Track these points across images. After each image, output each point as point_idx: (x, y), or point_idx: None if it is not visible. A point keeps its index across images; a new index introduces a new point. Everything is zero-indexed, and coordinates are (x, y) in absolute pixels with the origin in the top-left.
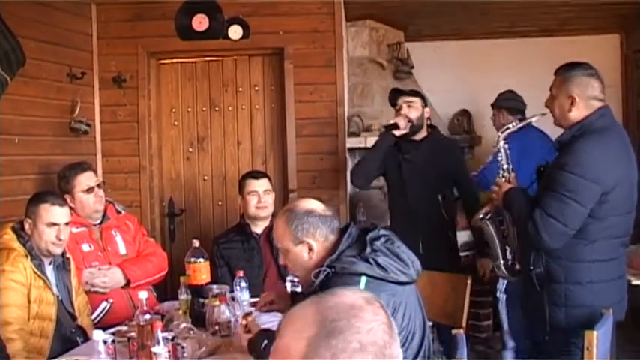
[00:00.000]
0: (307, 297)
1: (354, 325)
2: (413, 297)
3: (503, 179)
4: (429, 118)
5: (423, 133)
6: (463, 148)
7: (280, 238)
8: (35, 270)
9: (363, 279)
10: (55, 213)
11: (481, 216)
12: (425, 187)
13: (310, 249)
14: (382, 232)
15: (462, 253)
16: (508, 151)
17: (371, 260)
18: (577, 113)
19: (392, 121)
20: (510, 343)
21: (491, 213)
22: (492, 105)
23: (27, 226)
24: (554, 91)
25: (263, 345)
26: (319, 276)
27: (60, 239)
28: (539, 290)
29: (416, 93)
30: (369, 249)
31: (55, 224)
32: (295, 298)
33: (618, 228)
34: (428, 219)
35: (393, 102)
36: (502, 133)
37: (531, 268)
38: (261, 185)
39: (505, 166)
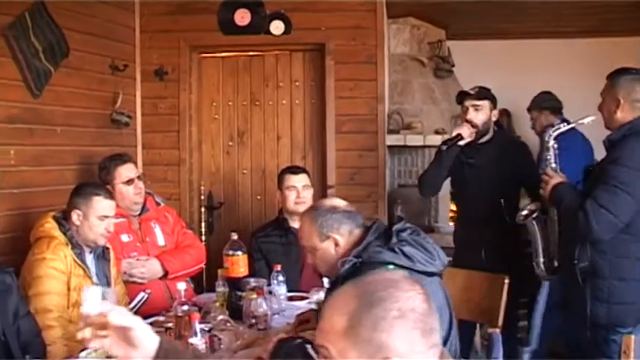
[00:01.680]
0: (334, 288)
1: (392, 294)
2: (440, 292)
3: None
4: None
5: (488, 136)
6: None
7: (307, 238)
8: (75, 259)
9: (391, 268)
10: (107, 206)
11: (525, 212)
12: (487, 191)
13: (336, 244)
14: (407, 224)
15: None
16: (557, 151)
17: (397, 249)
18: (622, 115)
19: (454, 133)
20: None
21: (537, 211)
22: (530, 108)
23: (75, 217)
24: (603, 94)
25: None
26: (345, 265)
27: (109, 232)
28: (581, 285)
29: (484, 96)
30: (394, 239)
31: (106, 217)
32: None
33: None
34: (489, 223)
35: (459, 101)
36: (553, 132)
37: (575, 262)
38: (300, 180)
39: (553, 165)
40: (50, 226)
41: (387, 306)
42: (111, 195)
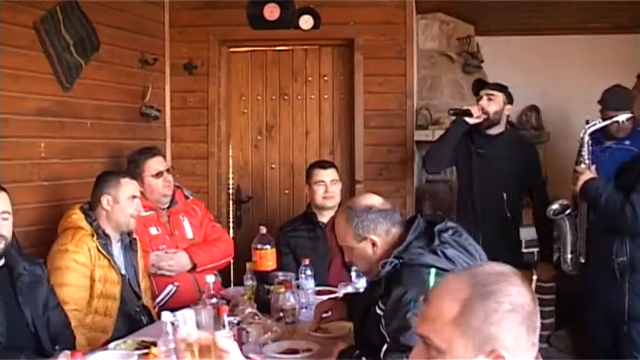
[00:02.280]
0: (374, 288)
1: (505, 287)
2: None
3: None
4: (508, 115)
5: (499, 129)
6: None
7: (343, 237)
8: (100, 249)
9: (432, 271)
10: (134, 187)
11: (555, 207)
12: (492, 182)
13: (374, 244)
14: (449, 224)
15: (525, 250)
16: (590, 147)
17: (439, 252)
18: None
19: (465, 107)
20: None
21: (570, 208)
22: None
23: (105, 202)
24: (636, 91)
25: (356, 354)
26: (386, 267)
27: (139, 212)
28: (619, 280)
29: (501, 88)
30: (437, 241)
31: (135, 196)
32: (353, 299)
33: None
34: (490, 215)
35: (476, 92)
36: (588, 128)
37: (613, 257)
38: (328, 175)
39: (587, 162)
40: (77, 217)
41: (499, 299)
42: (134, 177)
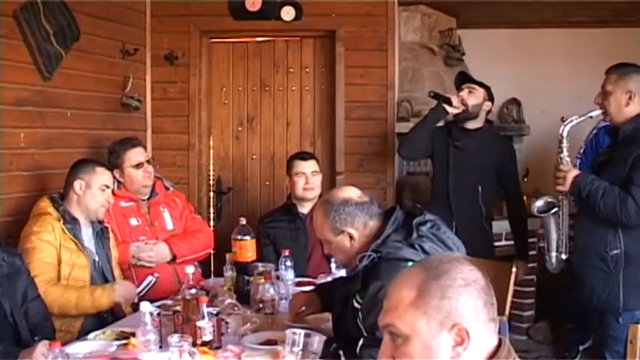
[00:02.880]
0: (352, 282)
1: (456, 266)
2: None
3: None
4: (489, 112)
5: (477, 124)
6: (512, 137)
7: (320, 230)
8: (66, 231)
9: (410, 265)
10: (108, 176)
11: (540, 203)
12: (467, 176)
13: (351, 237)
14: (428, 217)
15: (499, 243)
16: (568, 143)
17: (417, 246)
18: (632, 108)
19: (446, 95)
20: None
21: (557, 206)
22: None
23: (77, 187)
24: (610, 87)
25: (333, 347)
26: (364, 261)
27: (109, 202)
28: (612, 272)
29: (482, 84)
30: (415, 234)
31: (107, 187)
32: (326, 290)
33: None
34: (464, 208)
35: (458, 85)
36: (566, 125)
37: (607, 250)
38: (308, 166)
39: (567, 159)
40: (45, 204)
41: (452, 275)
42: (110, 169)
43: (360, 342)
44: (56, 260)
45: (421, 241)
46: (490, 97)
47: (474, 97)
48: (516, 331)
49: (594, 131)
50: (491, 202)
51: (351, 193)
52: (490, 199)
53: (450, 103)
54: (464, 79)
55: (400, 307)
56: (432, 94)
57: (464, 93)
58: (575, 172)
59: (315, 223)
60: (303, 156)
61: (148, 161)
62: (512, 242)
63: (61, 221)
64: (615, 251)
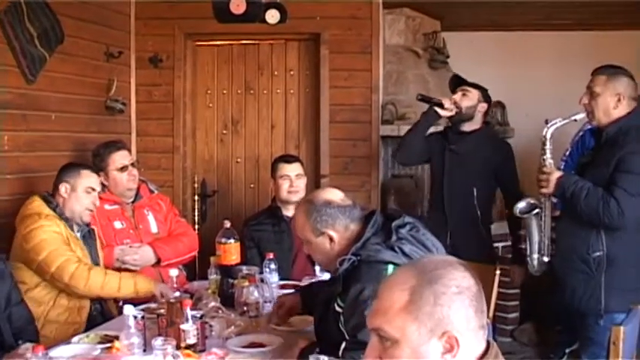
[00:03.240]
0: (333, 285)
1: (450, 272)
2: None
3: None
4: (486, 113)
5: (474, 126)
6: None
7: (301, 230)
8: (69, 229)
9: (390, 267)
10: (94, 179)
11: (523, 205)
12: (462, 178)
13: (331, 239)
14: (407, 219)
15: (499, 244)
16: (552, 145)
17: (396, 249)
18: (619, 111)
19: (437, 99)
20: None
21: (539, 207)
22: None
23: (62, 190)
24: (599, 89)
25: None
26: (344, 264)
27: (95, 205)
28: (594, 274)
29: (476, 86)
30: (394, 237)
31: (93, 190)
32: (308, 291)
33: None
34: (459, 211)
35: (453, 88)
36: (550, 126)
37: (589, 252)
38: (293, 169)
39: (550, 161)
40: (38, 203)
41: (446, 282)
42: (96, 172)
43: (343, 345)
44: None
45: (401, 244)
46: (486, 99)
47: (467, 100)
48: (501, 333)
49: (580, 133)
50: (489, 205)
51: (334, 195)
52: (487, 202)
53: (442, 106)
54: (458, 82)
55: (391, 310)
56: (420, 97)
57: (457, 95)
58: (558, 173)
59: (297, 223)
60: (288, 159)
61: (132, 164)
62: (499, 244)
63: (61, 220)
64: (597, 253)
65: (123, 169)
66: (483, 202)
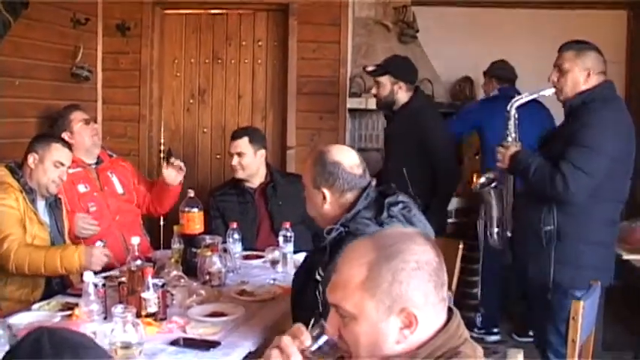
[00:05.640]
0: (318, 254)
1: (410, 246)
2: None
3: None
4: (412, 88)
5: (400, 103)
6: (446, 114)
7: (304, 173)
8: (28, 203)
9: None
10: (63, 154)
11: (482, 180)
12: (393, 158)
13: (324, 197)
14: (400, 198)
15: (451, 220)
16: (517, 121)
17: (385, 226)
18: (587, 86)
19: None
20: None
21: (496, 180)
22: (484, 73)
23: (31, 160)
24: (568, 65)
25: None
26: (332, 233)
27: (62, 180)
28: (545, 248)
29: (383, 71)
30: (385, 214)
31: (62, 164)
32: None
33: (621, 191)
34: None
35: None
36: (514, 102)
37: (541, 225)
38: (234, 147)
39: (513, 135)
40: (3, 173)
41: (405, 257)
42: (69, 147)
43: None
44: (22, 225)
45: (390, 221)
46: (398, 76)
47: (381, 89)
48: (465, 308)
49: None
50: (425, 182)
51: (349, 158)
52: (420, 179)
53: None
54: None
55: (349, 286)
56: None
57: (373, 89)
58: (513, 149)
59: (304, 165)
60: (234, 134)
61: (94, 121)
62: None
63: (23, 192)
64: (548, 227)
65: (87, 122)
66: (415, 179)
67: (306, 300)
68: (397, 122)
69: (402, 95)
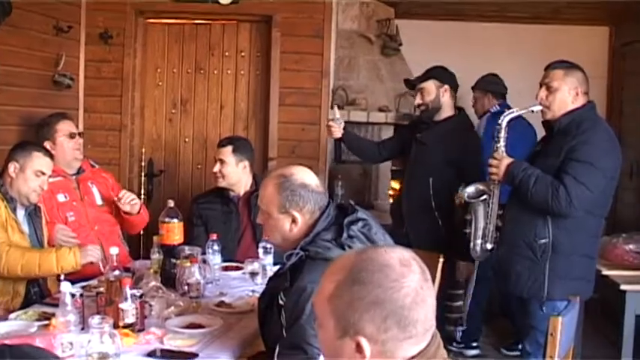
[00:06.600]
0: (280, 278)
1: (380, 279)
2: None
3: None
4: (455, 94)
5: (445, 113)
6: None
7: (266, 202)
8: (9, 211)
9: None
10: (44, 163)
11: (471, 190)
12: (421, 167)
13: (294, 221)
14: (360, 214)
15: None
16: (507, 134)
17: (346, 247)
18: (575, 106)
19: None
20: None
21: (487, 193)
22: (474, 87)
23: (11, 169)
24: (557, 84)
25: None
26: (292, 258)
27: (43, 189)
28: (539, 261)
29: (425, 77)
30: (345, 235)
31: (43, 173)
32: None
33: (607, 207)
34: (415, 198)
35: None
36: (506, 116)
37: (535, 238)
38: (219, 153)
39: (503, 149)
40: None
41: (367, 288)
42: (50, 156)
43: (277, 348)
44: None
45: (351, 242)
46: (442, 79)
47: (426, 95)
48: (446, 322)
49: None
50: (447, 195)
51: (311, 179)
52: (444, 192)
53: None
54: (412, 85)
55: (321, 295)
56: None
57: (417, 97)
58: (508, 160)
59: (263, 193)
60: (220, 141)
61: (79, 134)
62: None
63: (4, 201)
64: (543, 240)
65: (72, 135)
66: (439, 191)
67: (270, 322)
68: (436, 133)
69: (447, 100)
